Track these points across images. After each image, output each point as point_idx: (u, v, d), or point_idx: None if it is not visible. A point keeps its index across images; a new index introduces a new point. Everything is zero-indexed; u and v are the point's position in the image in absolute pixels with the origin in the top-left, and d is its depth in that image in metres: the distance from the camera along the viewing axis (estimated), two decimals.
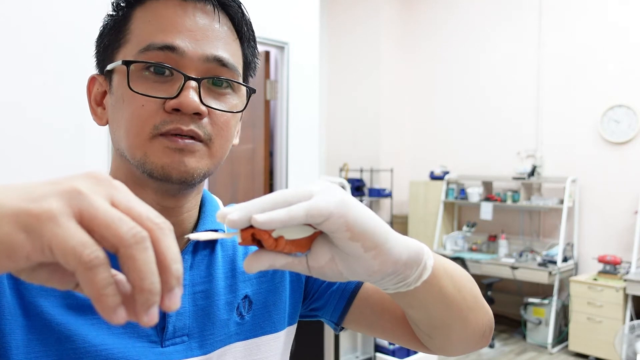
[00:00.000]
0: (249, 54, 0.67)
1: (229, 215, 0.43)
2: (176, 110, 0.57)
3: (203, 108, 0.58)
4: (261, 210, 0.44)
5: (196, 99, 0.57)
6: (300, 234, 0.47)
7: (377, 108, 6.08)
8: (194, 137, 0.58)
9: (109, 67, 0.61)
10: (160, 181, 0.59)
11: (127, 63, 0.58)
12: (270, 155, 3.55)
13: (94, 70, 0.67)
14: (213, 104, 0.60)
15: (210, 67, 0.60)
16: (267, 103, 3.47)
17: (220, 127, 0.61)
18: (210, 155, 0.60)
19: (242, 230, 0.44)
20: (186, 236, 0.53)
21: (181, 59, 0.58)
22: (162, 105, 0.58)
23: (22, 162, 2.20)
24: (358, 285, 0.74)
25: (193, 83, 0.58)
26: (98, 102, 0.65)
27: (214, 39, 0.60)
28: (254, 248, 0.47)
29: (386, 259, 0.49)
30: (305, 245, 0.48)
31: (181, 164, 0.58)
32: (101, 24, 0.64)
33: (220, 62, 0.60)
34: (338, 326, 0.76)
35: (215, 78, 0.60)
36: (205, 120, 0.59)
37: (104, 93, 0.64)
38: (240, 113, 0.67)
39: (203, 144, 0.59)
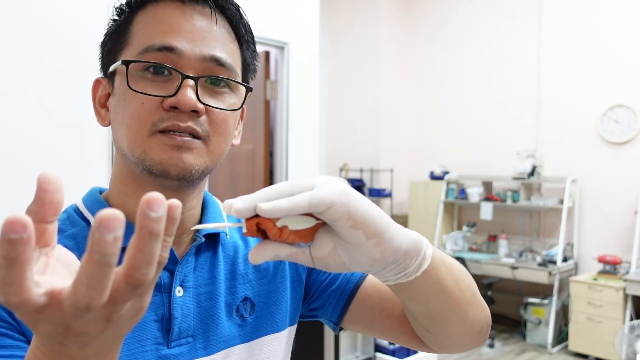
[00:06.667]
0: (247, 56, 0.68)
1: (235, 205, 0.44)
2: (174, 108, 0.59)
3: (200, 106, 0.60)
4: (266, 199, 0.45)
5: (193, 97, 0.59)
6: (303, 224, 0.48)
7: (377, 108, 6.08)
8: (192, 134, 0.60)
9: (111, 68, 0.63)
10: (159, 177, 0.60)
11: (126, 63, 0.60)
12: (270, 155, 3.56)
13: (96, 68, 0.68)
14: (211, 102, 0.62)
15: (208, 67, 0.61)
16: (267, 103, 3.47)
17: (218, 124, 0.62)
18: (209, 153, 0.62)
19: (247, 220, 0.46)
20: (192, 227, 0.54)
21: (179, 59, 0.60)
22: (160, 103, 0.59)
23: (23, 156, 2.21)
24: (357, 285, 0.74)
25: (190, 82, 0.59)
26: (102, 104, 0.67)
27: (211, 40, 0.62)
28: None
29: (387, 247, 0.50)
30: (308, 235, 0.49)
31: (179, 160, 0.59)
32: (105, 29, 0.66)
33: (218, 62, 0.62)
34: (337, 326, 0.77)
35: (212, 77, 0.62)
36: (203, 118, 0.61)
37: (108, 95, 0.66)
38: (240, 113, 0.68)
39: (201, 141, 0.61)
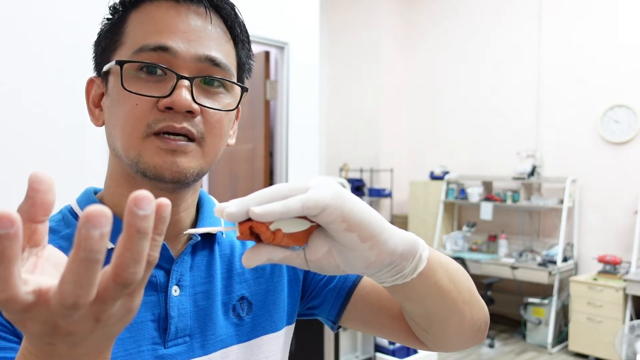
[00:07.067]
0: (242, 55, 0.68)
1: (227, 209, 0.44)
2: (169, 108, 0.58)
3: (195, 106, 0.59)
4: (258, 203, 0.44)
5: (188, 97, 0.58)
6: (297, 227, 0.48)
7: (377, 108, 6.08)
8: (186, 135, 0.59)
9: (104, 68, 0.62)
10: (153, 180, 0.60)
11: (120, 63, 0.59)
12: (270, 155, 3.55)
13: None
14: (206, 102, 0.61)
15: (203, 67, 0.61)
16: (267, 103, 3.47)
17: (212, 125, 0.61)
18: (204, 155, 0.61)
19: (240, 224, 0.45)
20: (185, 232, 0.53)
21: (174, 59, 0.59)
22: (155, 104, 0.59)
23: (23, 157, 2.21)
24: (355, 283, 0.74)
25: (185, 82, 0.59)
26: (96, 104, 0.66)
27: (206, 39, 0.61)
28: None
29: (382, 250, 0.49)
30: (302, 238, 0.48)
31: (173, 164, 0.58)
32: (99, 28, 0.65)
33: (213, 62, 0.61)
34: (335, 324, 0.76)
35: (207, 77, 0.61)
36: (198, 118, 0.60)
37: (101, 95, 0.65)
38: (235, 113, 0.67)
39: (196, 144, 0.60)
